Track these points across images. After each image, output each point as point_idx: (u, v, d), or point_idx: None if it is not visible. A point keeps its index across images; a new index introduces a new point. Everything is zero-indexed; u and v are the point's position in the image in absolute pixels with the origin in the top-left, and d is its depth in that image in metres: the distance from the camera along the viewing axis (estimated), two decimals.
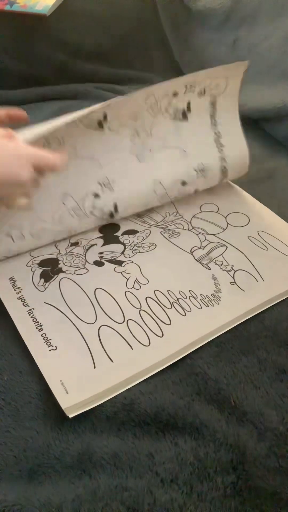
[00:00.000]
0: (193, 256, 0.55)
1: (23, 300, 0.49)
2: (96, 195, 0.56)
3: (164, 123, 0.58)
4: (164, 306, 0.49)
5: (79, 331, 0.46)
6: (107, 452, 0.39)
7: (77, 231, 0.57)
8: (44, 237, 0.55)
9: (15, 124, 0.49)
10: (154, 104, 0.57)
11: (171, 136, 0.59)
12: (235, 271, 0.54)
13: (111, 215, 0.58)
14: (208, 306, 0.50)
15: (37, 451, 0.39)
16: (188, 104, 0.59)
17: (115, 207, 0.57)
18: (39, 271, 0.53)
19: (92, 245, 0.56)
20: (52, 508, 0.35)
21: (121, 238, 0.58)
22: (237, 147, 0.63)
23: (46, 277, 0.52)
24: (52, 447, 0.39)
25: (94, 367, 0.44)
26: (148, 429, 0.40)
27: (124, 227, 0.59)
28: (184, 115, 0.60)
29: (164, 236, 0.58)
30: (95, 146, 0.55)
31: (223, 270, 0.54)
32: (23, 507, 0.35)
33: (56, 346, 0.45)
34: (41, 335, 0.46)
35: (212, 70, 0.58)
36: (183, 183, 0.60)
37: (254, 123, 0.86)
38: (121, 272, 0.53)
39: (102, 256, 0.55)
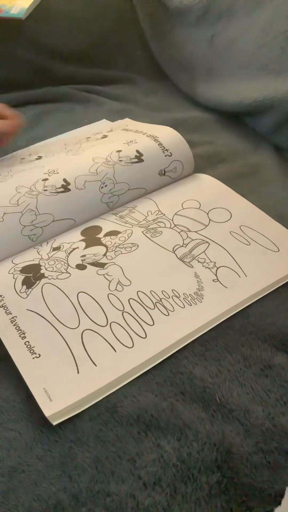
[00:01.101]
0: (176, 255, 0.55)
1: (5, 308, 0.49)
2: (45, 179, 0.62)
3: (89, 143, 0.73)
4: (147, 306, 0.49)
5: (62, 337, 0.46)
6: (89, 456, 0.39)
7: (42, 211, 0.59)
8: (8, 220, 0.57)
9: None
10: (74, 144, 0.74)
11: (99, 142, 0.73)
12: (217, 268, 0.53)
13: (64, 187, 0.61)
14: (191, 304, 0.50)
15: (20, 451, 0.40)
16: (104, 135, 0.76)
17: (65, 181, 0.61)
18: (21, 277, 0.53)
19: (74, 249, 0.56)
20: None
21: (103, 240, 0.57)
22: (162, 129, 0.72)
23: (28, 283, 0.52)
24: (35, 448, 0.40)
25: (78, 373, 0.43)
26: (130, 430, 0.40)
27: (105, 229, 0.59)
28: (104, 137, 0.75)
29: (146, 235, 0.58)
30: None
31: (205, 267, 0.54)
32: None
33: (39, 354, 0.45)
34: (24, 343, 0.46)
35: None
36: (119, 151, 0.66)
37: (236, 118, 0.86)
38: (103, 274, 0.53)
39: (84, 259, 0.55)
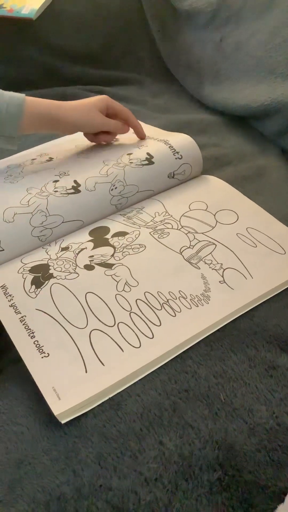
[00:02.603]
0: (183, 256, 0.56)
1: (15, 308, 0.50)
2: (56, 181, 0.63)
3: (100, 145, 0.74)
4: (154, 307, 0.50)
5: (71, 337, 0.47)
6: (92, 452, 0.40)
7: (52, 212, 0.59)
8: (18, 221, 0.58)
9: None
10: (85, 146, 0.75)
11: (109, 144, 0.74)
12: (224, 270, 0.54)
13: (75, 188, 0.62)
14: (197, 306, 0.50)
15: (27, 444, 0.41)
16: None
17: (76, 182, 0.63)
18: (30, 277, 0.54)
19: (82, 249, 0.57)
20: (40, 505, 0.37)
21: (110, 241, 0.58)
22: (173, 134, 0.73)
23: (37, 283, 0.53)
24: (41, 443, 0.41)
25: (86, 372, 0.44)
26: (133, 427, 0.41)
27: (113, 229, 0.60)
28: (115, 140, 0.75)
29: (153, 236, 0.59)
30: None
31: (212, 269, 0.54)
32: (11, 505, 0.37)
33: (48, 353, 0.46)
34: (33, 343, 0.47)
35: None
36: (129, 154, 0.68)
37: (243, 121, 0.86)
38: (111, 275, 0.54)
39: (92, 260, 0.56)
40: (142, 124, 0.83)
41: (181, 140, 0.70)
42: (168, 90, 1.02)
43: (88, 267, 0.55)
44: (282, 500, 0.38)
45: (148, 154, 0.67)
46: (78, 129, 0.70)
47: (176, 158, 0.67)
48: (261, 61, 0.81)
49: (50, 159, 0.72)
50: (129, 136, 0.75)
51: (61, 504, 0.37)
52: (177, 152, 0.67)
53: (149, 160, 0.66)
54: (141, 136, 0.74)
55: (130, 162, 0.65)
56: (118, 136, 0.76)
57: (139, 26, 1.07)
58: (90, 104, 0.68)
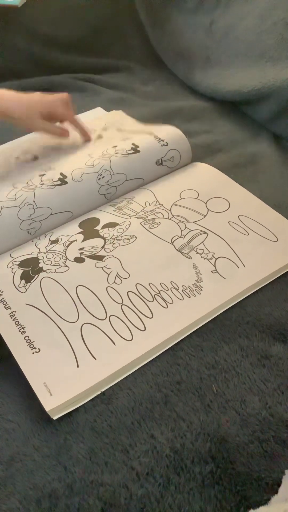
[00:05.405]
0: (174, 246, 0.55)
1: (4, 303, 0.50)
2: (42, 174, 0.62)
3: (84, 143, 0.72)
4: (145, 299, 0.50)
5: (62, 331, 0.47)
6: (83, 447, 0.40)
7: (40, 205, 0.58)
8: (6, 215, 0.57)
9: None
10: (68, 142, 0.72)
11: (94, 141, 0.72)
12: (216, 259, 0.54)
13: (62, 180, 0.61)
14: (190, 296, 0.50)
15: (18, 441, 0.41)
16: (98, 134, 0.74)
17: (62, 174, 0.62)
18: (19, 272, 0.53)
19: (72, 242, 0.57)
20: (31, 502, 0.37)
21: (101, 232, 0.58)
22: (157, 125, 0.72)
23: (27, 277, 0.52)
24: (32, 439, 0.41)
25: (78, 366, 0.44)
26: (124, 421, 0.41)
27: (103, 221, 0.59)
28: (99, 137, 0.73)
29: (144, 227, 0.58)
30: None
31: (204, 258, 0.54)
32: (3, 502, 0.37)
33: (39, 348, 0.46)
34: (24, 338, 0.46)
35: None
36: (115, 146, 0.67)
37: (234, 107, 0.85)
38: (102, 267, 0.53)
39: (82, 252, 0.55)
40: (125, 116, 0.81)
41: (165, 129, 0.69)
42: (159, 76, 1.00)
43: (79, 260, 0.54)
44: (276, 492, 0.38)
45: (133, 144, 0.66)
46: (13, 122, 0.65)
47: (161, 145, 0.66)
48: (252, 45, 0.79)
49: (35, 158, 0.70)
50: (112, 133, 0.74)
51: (52, 501, 0.37)
52: (162, 140, 0.67)
53: (135, 149, 0.65)
54: (87, 138, 0.71)
55: (116, 153, 0.65)
56: (101, 131, 0.75)
57: (127, 12, 1.05)
58: (32, 102, 0.64)
